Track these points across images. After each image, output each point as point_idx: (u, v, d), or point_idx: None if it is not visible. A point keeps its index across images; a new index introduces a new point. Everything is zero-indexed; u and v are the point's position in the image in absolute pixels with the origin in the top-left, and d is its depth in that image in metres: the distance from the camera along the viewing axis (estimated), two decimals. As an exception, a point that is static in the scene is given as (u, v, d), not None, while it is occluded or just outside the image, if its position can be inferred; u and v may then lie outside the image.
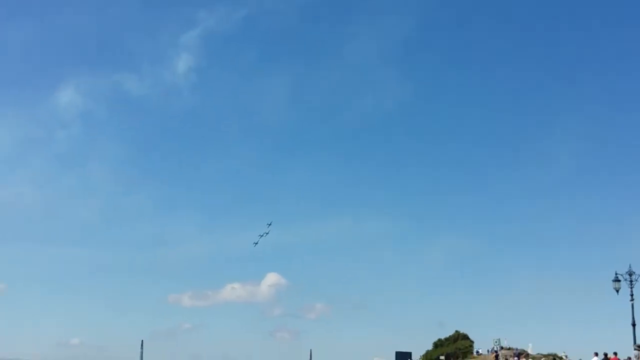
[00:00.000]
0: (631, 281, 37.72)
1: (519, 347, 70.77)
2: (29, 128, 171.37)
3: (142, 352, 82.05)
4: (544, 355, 57.20)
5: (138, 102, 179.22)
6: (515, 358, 53.90)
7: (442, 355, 75.74)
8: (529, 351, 67.11)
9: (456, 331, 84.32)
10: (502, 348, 70.63)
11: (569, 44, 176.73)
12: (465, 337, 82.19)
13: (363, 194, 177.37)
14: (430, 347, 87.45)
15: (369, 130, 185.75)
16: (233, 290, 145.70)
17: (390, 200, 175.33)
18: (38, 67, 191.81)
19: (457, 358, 76.30)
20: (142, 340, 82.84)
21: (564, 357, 57.13)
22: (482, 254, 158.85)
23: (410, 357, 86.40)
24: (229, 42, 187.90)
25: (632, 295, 37.49)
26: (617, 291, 37.37)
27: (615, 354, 36.71)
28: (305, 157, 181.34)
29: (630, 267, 38.20)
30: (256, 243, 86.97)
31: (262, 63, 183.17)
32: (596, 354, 35.16)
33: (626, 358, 38.30)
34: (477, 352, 77.86)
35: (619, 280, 37.45)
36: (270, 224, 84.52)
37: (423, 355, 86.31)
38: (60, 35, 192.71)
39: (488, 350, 74.39)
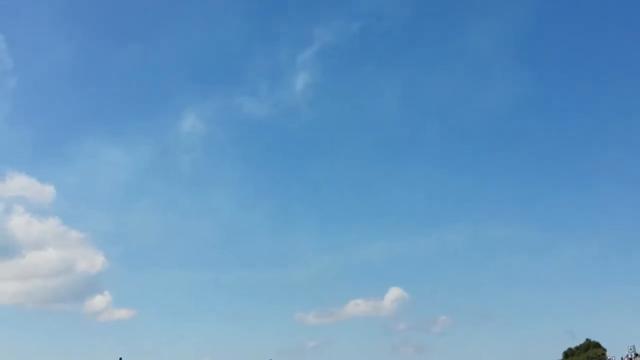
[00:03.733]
0: None
1: (654, 354, 71.81)
2: (154, 154, 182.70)
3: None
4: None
5: (257, 123, 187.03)
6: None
7: (575, 363, 77.84)
8: (665, 357, 68.25)
9: (587, 339, 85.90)
10: (637, 355, 71.77)
11: None
12: (597, 345, 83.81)
13: (483, 198, 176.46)
14: (560, 356, 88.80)
15: (487, 131, 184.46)
16: (356, 306, 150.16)
17: (512, 204, 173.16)
18: (156, 92, 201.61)
19: (591, 366, 78.01)
20: (270, 359, 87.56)
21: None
22: (611, 257, 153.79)
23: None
24: (345, 55, 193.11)
25: None
26: None
27: None
28: (422, 162, 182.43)
29: None
30: None
31: (377, 70, 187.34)
32: None
33: None
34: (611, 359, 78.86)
35: None
36: None
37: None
38: (172, 60, 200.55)
39: (622, 358, 75.38)
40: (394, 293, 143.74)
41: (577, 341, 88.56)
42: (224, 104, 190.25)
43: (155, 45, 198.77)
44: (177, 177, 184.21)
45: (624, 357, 74.99)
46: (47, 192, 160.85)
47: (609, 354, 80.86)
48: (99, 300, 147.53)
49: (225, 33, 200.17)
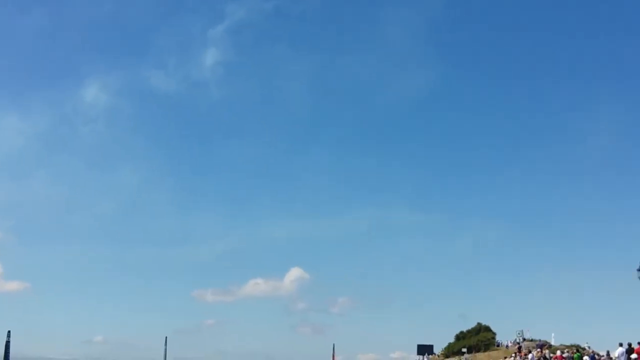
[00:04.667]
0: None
1: (541, 339, 70.56)
2: (54, 125, 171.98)
3: (165, 349, 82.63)
4: (567, 347, 56.74)
5: (163, 97, 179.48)
6: (538, 349, 53.62)
7: (464, 347, 75.46)
8: (552, 342, 66.77)
9: (478, 323, 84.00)
10: (524, 340, 70.43)
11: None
12: (488, 329, 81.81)
13: (388, 184, 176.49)
14: (452, 339, 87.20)
15: (394, 119, 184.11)
16: (256, 286, 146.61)
17: (416, 191, 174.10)
18: (60, 61, 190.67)
19: (480, 350, 76.03)
20: (166, 337, 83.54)
21: (587, 348, 56.66)
22: (503, 244, 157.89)
23: (432, 350, 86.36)
24: (257, 34, 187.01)
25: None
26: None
27: (640, 344, 36.31)
28: (327, 146, 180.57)
29: (654, 256, 37.62)
30: None
31: (289, 52, 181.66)
32: (621, 345, 34.74)
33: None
34: (500, 344, 77.62)
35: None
36: None
37: (445, 348, 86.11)
38: (77, 28, 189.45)
39: (511, 342, 74.19)
40: (294, 273, 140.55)
41: (469, 325, 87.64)
42: (130, 76, 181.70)
43: (59, 11, 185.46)
44: (78, 149, 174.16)
45: (512, 341, 74.13)
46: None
47: (498, 338, 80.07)
48: None
49: (132, 3, 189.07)
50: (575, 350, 48.66)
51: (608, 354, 40.47)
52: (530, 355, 47.93)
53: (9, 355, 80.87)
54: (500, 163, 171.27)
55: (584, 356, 42.84)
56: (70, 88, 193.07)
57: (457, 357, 76.76)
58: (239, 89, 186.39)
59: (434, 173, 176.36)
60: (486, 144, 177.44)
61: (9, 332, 77.60)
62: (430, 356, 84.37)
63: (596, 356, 42.43)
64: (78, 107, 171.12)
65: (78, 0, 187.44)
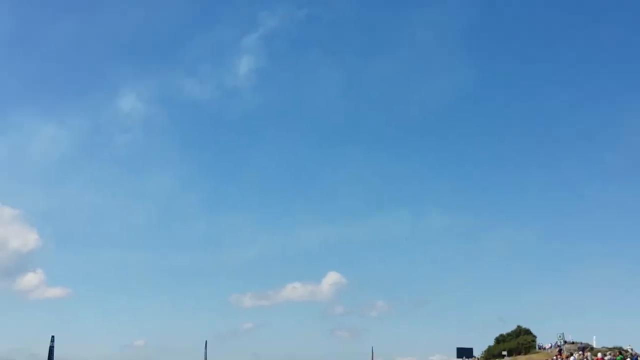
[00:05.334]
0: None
1: (583, 341, 70.17)
2: (90, 133, 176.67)
3: (205, 352, 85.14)
4: (609, 349, 56.67)
5: (197, 104, 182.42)
6: (580, 352, 53.79)
7: (504, 350, 75.69)
8: (594, 345, 66.50)
9: (518, 326, 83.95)
10: (565, 342, 70.17)
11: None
12: (528, 332, 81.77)
13: (421, 188, 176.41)
14: (491, 342, 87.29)
15: (427, 122, 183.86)
16: (294, 290, 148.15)
17: (450, 192, 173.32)
18: (93, 69, 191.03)
19: (520, 353, 76.11)
20: (206, 341, 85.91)
21: (630, 350, 56.47)
22: (543, 246, 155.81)
23: (472, 353, 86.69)
24: (290, 41, 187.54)
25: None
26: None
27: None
28: (361, 150, 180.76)
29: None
30: None
31: (321, 58, 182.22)
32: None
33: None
34: (540, 347, 77.48)
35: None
36: None
37: (485, 351, 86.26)
38: (110, 35, 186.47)
39: (551, 345, 73.98)
40: (332, 277, 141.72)
41: (508, 328, 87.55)
42: (164, 84, 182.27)
43: (92, 18, 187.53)
44: (113, 157, 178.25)
45: (553, 344, 73.78)
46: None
47: (538, 341, 79.83)
48: (31, 278, 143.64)
49: (165, 11, 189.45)
50: (617, 353, 48.79)
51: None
52: (571, 358, 48.29)
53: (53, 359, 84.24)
54: (534, 164, 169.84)
55: (626, 358, 43.06)
56: (105, 96, 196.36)
57: (497, 360, 77.00)
58: (272, 95, 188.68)
59: (468, 175, 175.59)
60: (519, 146, 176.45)
61: (52, 337, 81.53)
62: (470, 359, 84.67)
63: (639, 358, 42.69)
64: (113, 116, 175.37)
65: (109, 8, 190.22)
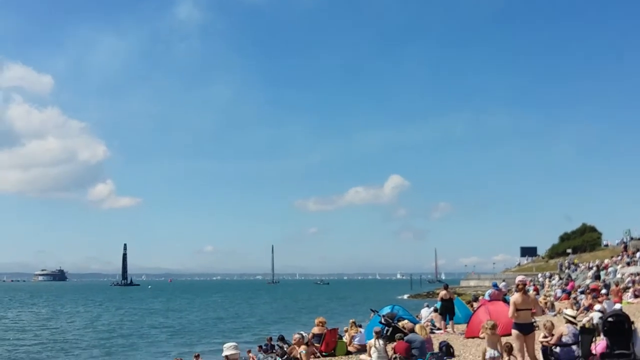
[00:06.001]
0: None
1: (650, 237, 69.43)
2: (149, 43, 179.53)
3: (272, 256, 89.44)
4: (678, 244, 56.16)
5: (253, 10, 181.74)
6: (647, 248, 53.21)
7: (568, 248, 75.99)
8: (662, 240, 65.78)
9: (583, 224, 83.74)
10: (632, 239, 69.56)
11: None
12: (593, 229, 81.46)
13: (482, 88, 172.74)
14: (556, 241, 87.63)
15: (489, 19, 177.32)
16: (356, 194, 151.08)
17: (513, 92, 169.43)
18: None
19: (585, 251, 76.27)
20: (273, 245, 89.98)
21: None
22: (605, 145, 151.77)
23: (536, 252, 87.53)
24: None
25: None
26: None
27: None
28: (421, 52, 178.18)
29: None
30: None
31: None
32: None
33: None
34: (606, 244, 77.25)
35: None
36: None
37: (549, 250, 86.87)
38: None
39: (617, 242, 73.58)
40: (394, 180, 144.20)
41: (573, 226, 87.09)
42: None
43: None
44: (172, 66, 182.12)
45: (618, 241, 73.11)
46: (45, 82, 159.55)
47: (604, 238, 79.18)
48: (102, 189, 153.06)
49: None
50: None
51: None
52: (638, 254, 48.17)
53: (126, 267, 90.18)
54: (599, 68, 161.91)
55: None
56: (161, 4, 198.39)
57: (561, 258, 77.40)
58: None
59: (531, 78, 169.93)
60: (584, 49, 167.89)
61: (125, 245, 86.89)
62: (533, 258, 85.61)
63: None
64: (172, 25, 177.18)
65: None
